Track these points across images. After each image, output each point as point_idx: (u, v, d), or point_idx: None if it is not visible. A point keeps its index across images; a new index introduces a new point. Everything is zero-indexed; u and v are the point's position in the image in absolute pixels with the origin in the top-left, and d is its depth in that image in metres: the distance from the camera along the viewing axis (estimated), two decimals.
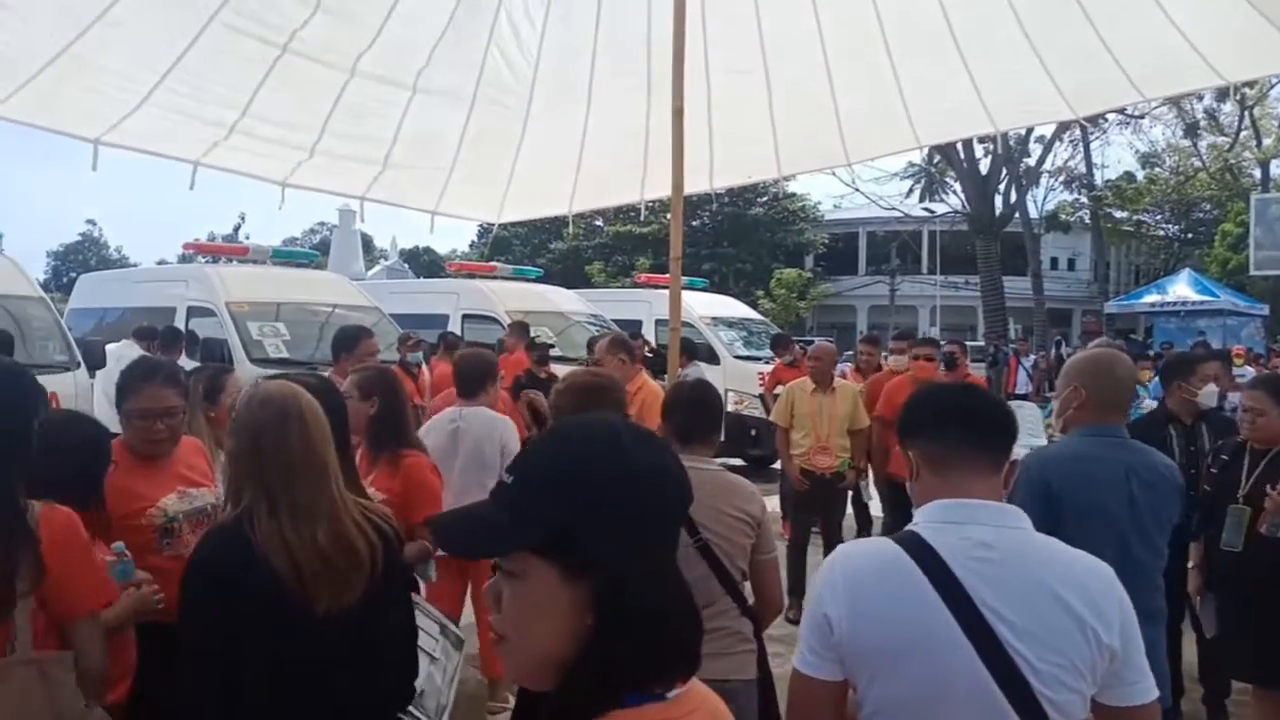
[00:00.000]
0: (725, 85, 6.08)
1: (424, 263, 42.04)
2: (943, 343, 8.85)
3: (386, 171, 6.29)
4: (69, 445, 2.65)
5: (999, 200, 31.38)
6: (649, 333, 12.30)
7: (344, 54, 5.41)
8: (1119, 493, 2.78)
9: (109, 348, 8.65)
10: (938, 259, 40.97)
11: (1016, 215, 32.36)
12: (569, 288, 15.56)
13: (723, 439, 3.44)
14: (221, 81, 5.28)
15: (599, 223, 37.83)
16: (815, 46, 5.79)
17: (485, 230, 33.95)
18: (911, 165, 41.99)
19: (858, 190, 33.25)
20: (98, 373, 8.17)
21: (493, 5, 5.66)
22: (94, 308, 12.02)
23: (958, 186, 33.75)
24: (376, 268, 26.10)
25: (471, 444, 4.57)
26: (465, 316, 12.26)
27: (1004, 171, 31.11)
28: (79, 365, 7.83)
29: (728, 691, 2.82)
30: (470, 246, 43.57)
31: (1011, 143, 29.90)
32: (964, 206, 31.97)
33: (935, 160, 36.74)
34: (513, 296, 12.63)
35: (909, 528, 1.79)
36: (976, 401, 1.93)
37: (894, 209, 36.15)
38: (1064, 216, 37.15)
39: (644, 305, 13.83)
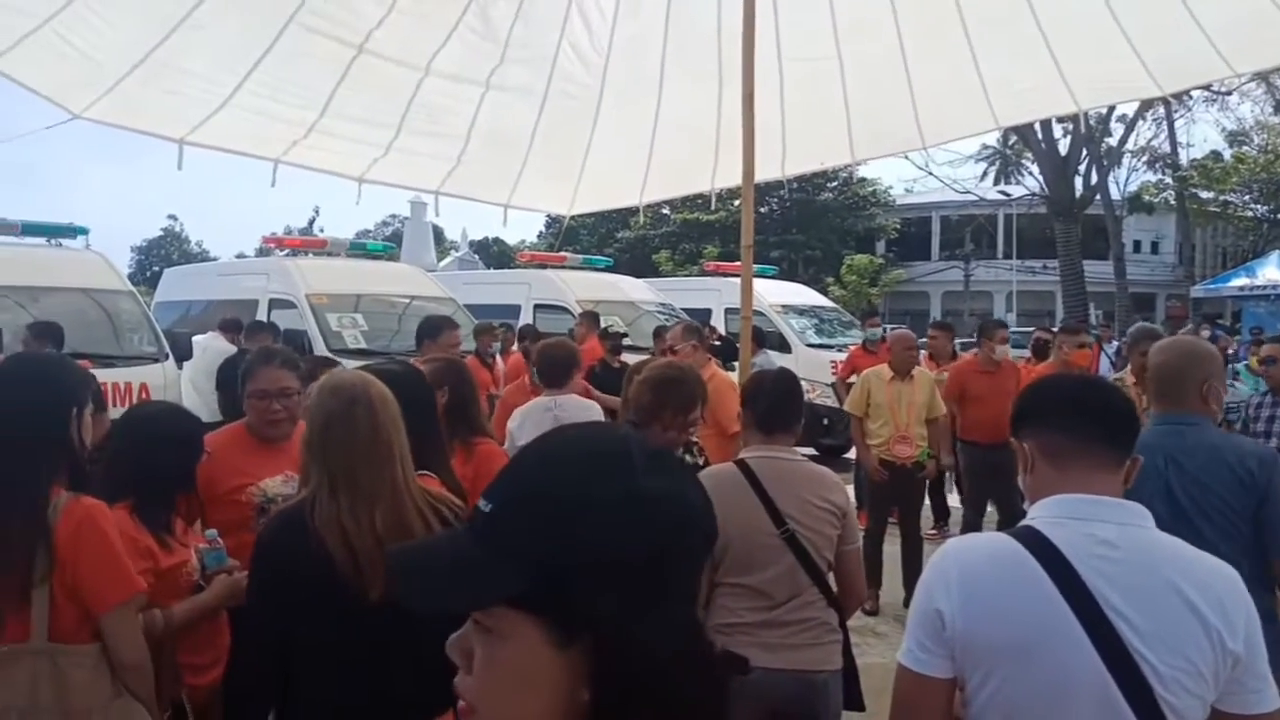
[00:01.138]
0: (797, 70, 6.02)
1: (493, 253, 42.50)
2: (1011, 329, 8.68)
3: (460, 166, 6.37)
4: (159, 437, 2.74)
5: (1079, 182, 30.54)
6: (718, 321, 12.28)
7: (419, 53, 5.49)
8: (1154, 483, 2.65)
9: (195, 339, 8.92)
10: (1014, 243, 40.07)
11: (1097, 197, 31.45)
12: (636, 276, 15.60)
13: None
14: (300, 82, 5.40)
15: (666, 211, 37.77)
16: (890, 26, 5.70)
17: (553, 220, 34.17)
18: (986, 147, 41.05)
19: (931, 174, 32.62)
20: (185, 364, 8.42)
21: (563, 3, 5.69)
22: (178, 300, 12.41)
23: (1035, 168, 32.91)
24: (447, 259, 26.46)
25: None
26: (537, 306, 12.38)
27: (1084, 152, 30.25)
28: (167, 357, 8.09)
29: (817, 683, 2.85)
30: (538, 236, 43.89)
31: (1092, 122, 29.04)
32: (1042, 189, 31.18)
33: (1011, 142, 35.85)
34: (583, 286, 12.70)
35: (1026, 522, 1.73)
36: (1102, 393, 1.86)
37: (968, 192, 35.39)
38: (1147, 197, 35.99)
39: (713, 294, 13.81)
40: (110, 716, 2.30)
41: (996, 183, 40.82)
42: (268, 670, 2.24)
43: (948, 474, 6.98)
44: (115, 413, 3.16)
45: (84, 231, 9.11)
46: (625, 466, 0.87)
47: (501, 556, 0.84)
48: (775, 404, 3.09)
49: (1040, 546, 1.65)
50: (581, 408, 4.67)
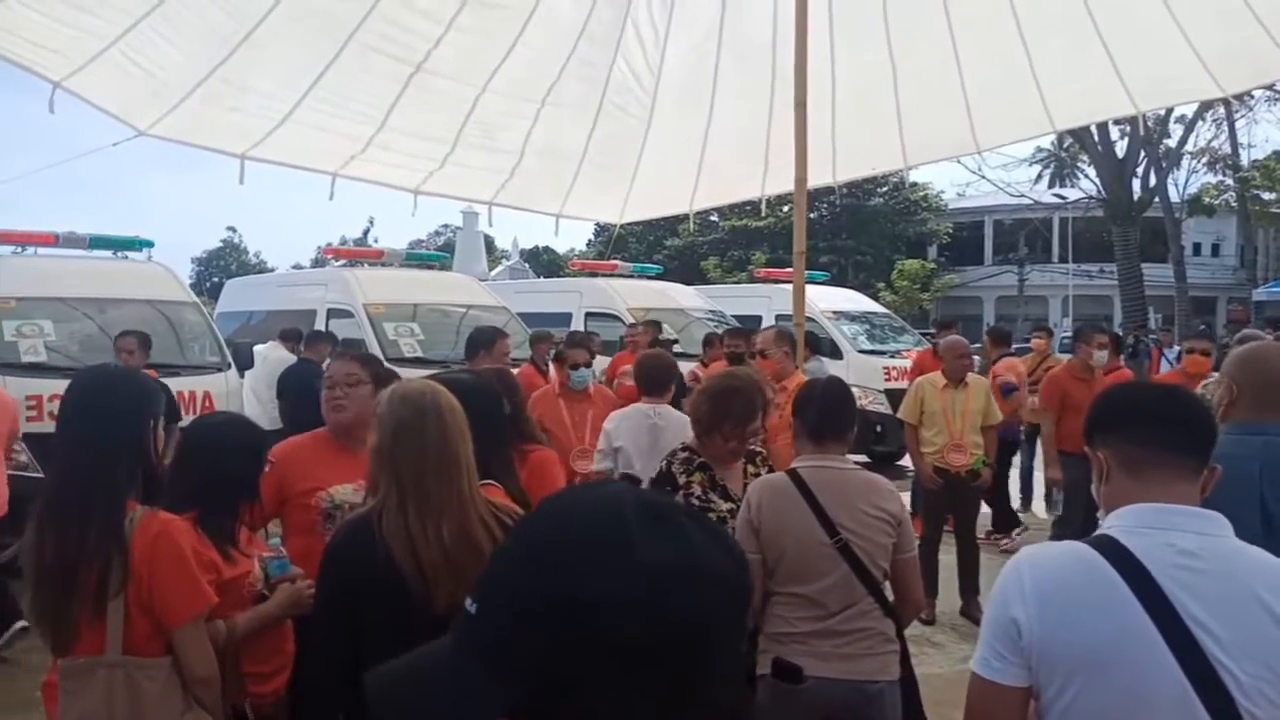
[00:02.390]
0: (849, 77, 6.03)
1: (544, 262, 42.75)
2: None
3: (514, 178, 6.47)
4: (224, 449, 2.73)
5: (1137, 184, 29.94)
6: (768, 327, 12.23)
7: (477, 71, 5.60)
8: (1246, 493, 2.56)
9: (256, 349, 9.11)
10: (1069, 247, 39.39)
11: (1156, 199, 30.81)
12: (685, 284, 15.61)
13: None
14: (358, 98, 5.53)
15: (714, 218, 37.74)
16: (943, 31, 5.69)
17: (602, 229, 34.31)
18: (1041, 150, 40.55)
19: (983, 178, 32.28)
20: (246, 373, 8.61)
21: (619, 20, 5.76)
22: (239, 311, 12.69)
23: (1091, 171, 32.34)
24: (499, 268, 26.69)
25: (672, 440, 4.58)
26: (588, 314, 12.44)
27: (1143, 154, 29.65)
28: (230, 366, 8.25)
29: (871, 693, 2.85)
30: (587, 245, 44.08)
31: (1150, 123, 28.46)
32: (1099, 191, 30.62)
33: (1067, 144, 35.31)
34: (634, 294, 12.74)
35: (1102, 532, 1.71)
36: (1181, 402, 1.82)
37: (1023, 196, 34.88)
38: (1208, 199, 35.15)
39: (763, 300, 13.76)
40: None
41: (1051, 186, 40.20)
42: (335, 679, 2.25)
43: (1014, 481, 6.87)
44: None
45: (149, 244, 9.32)
46: (620, 543, 0.76)
47: (492, 668, 0.75)
48: (826, 413, 3.08)
49: (1119, 556, 1.63)
50: (682, 421, 4.55)
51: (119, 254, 9.24)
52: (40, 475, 6.89)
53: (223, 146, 5.56)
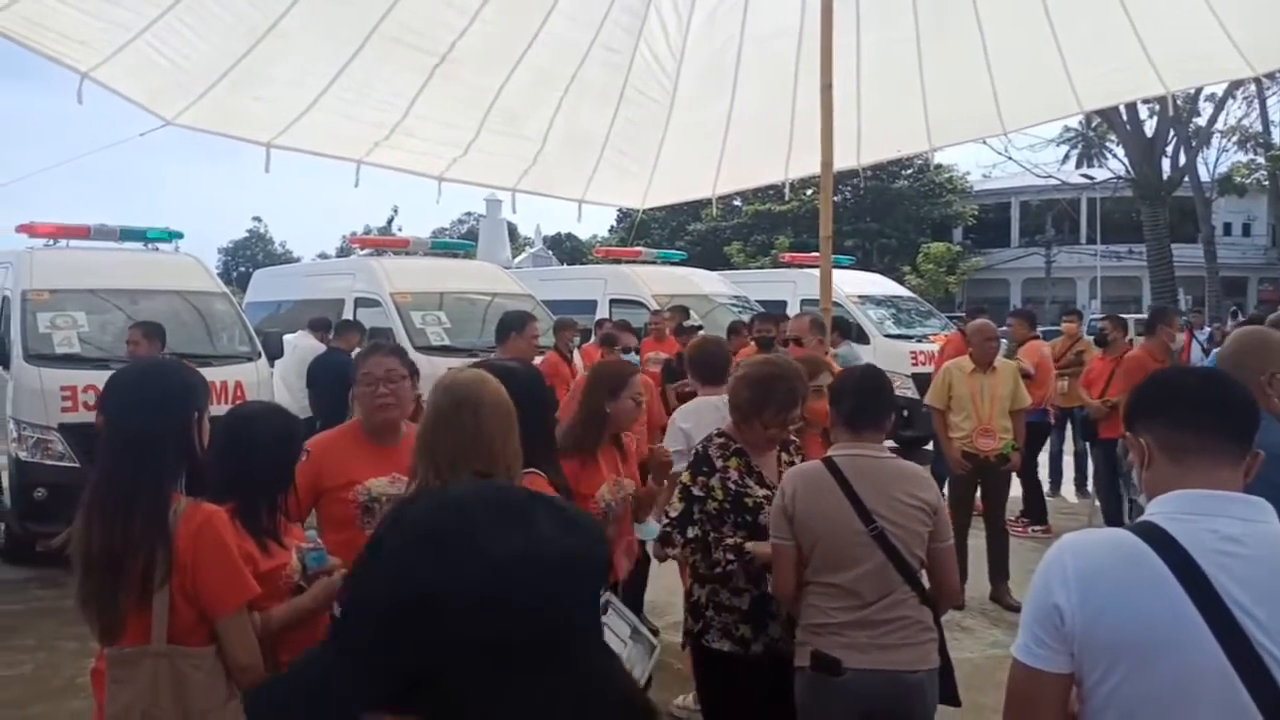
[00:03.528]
0: (874, 59, 6.00)
1: (566, 248, 42.76)
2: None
3: (537, 164, 6.49)
4: (258, 439, 2.73)
5: (1166, 163, 29.54)
6: (794, 313, 12.20)
7: (501, 60, 5.61)
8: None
9: (286, 338, 9.19)
10: (1098, 228, 38.97)
11: (1186, 179, 30.39)
12: (708, 269, 15.57)
13: None
14: (383, 87, 5.56)
15: (737, 202, 37.59)
16: (969, 11, 5.64)
17: (624, 214, 34.29)
18: (1068, 130, 39.92)
19: (1010, 159, 31.90)
20: (276, 362, 8.69)
21: (643, 6, 5.75)
22: (268, 300, 12.79)
23: (1120, 150, 31.93)
24: (522, 255, 26.69)
25: None
26: (613, 301, 12.44)
27: (1172, 133, 29.24)
28: (260, 355, 8.33)
29: (911, 683, 2.86)
30: (610, 231, 44.04)
31: (1180, 102, 28.02)
32: (1127, 171, 30.24)
33: (1095, 124, 34.83)
34: (658, 280, 12.72)
35: (1145, 518, 1.70)
36: (1224, 387, 1.80)
37: (1050, 176, 34.49)
38: (1238, 179, 34.62)
39: (788, 285, 13.70)
40: (226, 717, 2.35)
41: (1079, 166, 39.72)
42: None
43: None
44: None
45: (179, 236, 9.41)
46: (464, 538, 0.79)
47: (355, 668, 0.78)
48: (862, 401, 3.06)
49: (1162, 542, 1.62)
50: None
51: (149, 245, 9.35)
52: (76, 465, 7.01)
53: (248, 135, 5.60)
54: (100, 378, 6.81)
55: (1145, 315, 8.97)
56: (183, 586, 2.31)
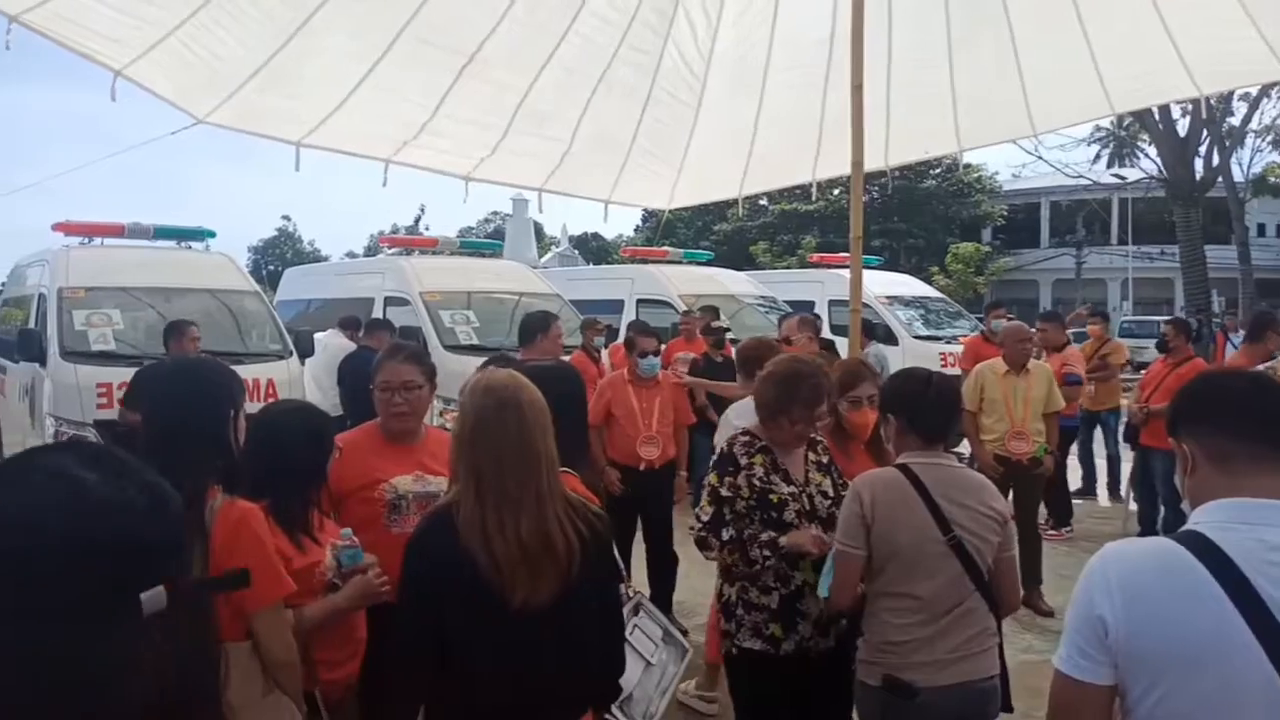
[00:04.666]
0: (905, 60, 5.95)
1: (592, 248, 42.82)
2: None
3: (564, 164, 6.49)
4: (290, 437, 2.78)
5: (1199, 163, 29.16)
6: (822, 314, 12.17)
7: (529, 60, 5.62)
8: None
9: (316, 336, 9.27)
10: (1129, 228, 38.55)
11: (1219, 179, 29.99)
12: (734, 269, 15.56)
13: None
14: (412, 87, 5.57)
15: (764, 202, 37.47)
16: (999, 13, 5.59)
17: (650, 214, 34.27)
18: (1100, 129, 39.46)
19: (1040, 158, 31.58)
20: (307, 360, 8.76)
21: (670, 9, 5.74)
22: (298, 299, 12.92)
23: (1152, 150, 31.56)
24: (548, 254, 26.76)
25: None
26: (639, 301, 12.46)
27: (1205, 132, 28.87)
28: (291, 353, 8.41)
29: (987, 690, 2.87)
30: (635, 230, 44.10)
31: (1213, 102, 27.66)
32: (1160, 171, 29.88)
33: (1126, 123, 34.44)
34: (685, 280, 12.73)
35: (1189, 527, 1.67)
36: (1271, 392, 1.76)
37: (1081, 176, 34.13)
38: (1273, 179, 34.13)
39: (817, 285, 13.69)
40: (263, 712, 2.38)
41: (1110, 166, 39.25)
42: (418, 666, 2.29)
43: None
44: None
45: (212, 234, 9.54)
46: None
47: None
48: (943, 413, 3.04)
49: (1208, 552, 1.59)
50: None
51: (182, 244, 9.46)
52: None
53: (278, 134, 5.62)
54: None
55: (1172, 319, 8.85)
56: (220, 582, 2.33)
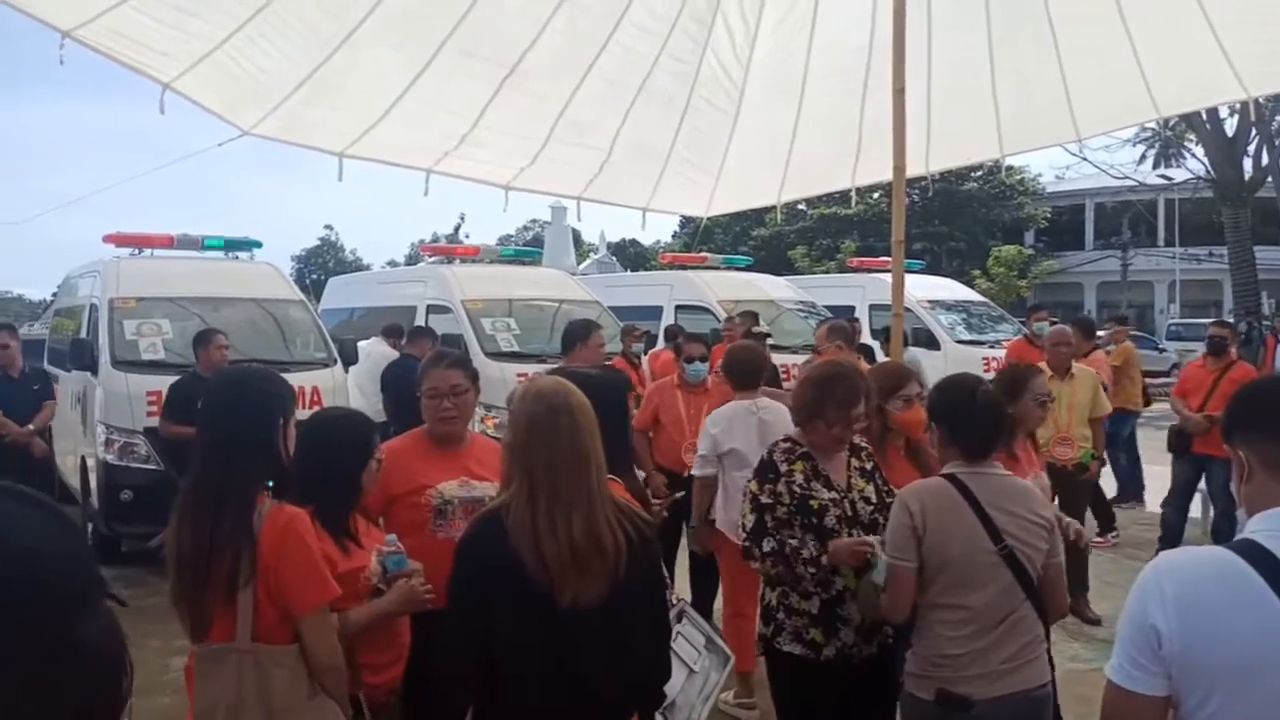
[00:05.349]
0: (946, 65, 5.92)
1: (630, 255, 42.84)
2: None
3: (603, 173, 6.53)
4: (332, 444, 2.82)
5: (1248, 163, 28.57)
6: (863, 319, 12.11)
7: (570, 71, 5.66)
8: None
9: (360, 344, 9.39)
10: (1176, 230, 37.87)
11: (1269, 179, 29.38)
12: (772, 273, 15.51)
13: None
14: (453, 98, 5.64)
15: (802, 206, 37.23)
16: (1041, 17, 5.54)
17: (688, 220, 34.25)
18: (1145, 130, 38.78)
19: (1085, 159, 31.09)
20: (351, 368, 8.87)
21: (710, 14, 5.76)
22: (341, 308, 13.08)
23: (1199, 150, 30.98)
24: (587, 261, 26.84)
25: (779, 432, 4.53)
26: (679, 307, 12.46)
27: (1253, 132, 28.30)
28: (335, 361, 8.52)
29: (1041, 697, 2.86)
30: (673, 236, 44.01)
31: (1261, 101, 27.11)
32: (1207, 172, 29.33)
33: (1173, 123, 33.86)
34: (724, 286, 12.71)
35: (1245, 535, 1.65)
36: None
37: (1126, 177, 33.56)
38: None
39: (857, 290, 13.60)
40: (308, 714, 2.42)
41: (1156, 166, 38.59)
42: (468, 667, 2.33)
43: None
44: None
45: (257, 244, 9.69)
46: None
47: None
48: (993, 426, 3.02)
49: (1263, 560, 1.56)
50: (782, 408, 4.47)
51: (229, 254, 9.61)
52: (161, 468, 7.25)
53: (322, 145, 5.71)
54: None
55: (1219, 321, 8.68)
56: (266, 586, 2.38)
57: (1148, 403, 9.96)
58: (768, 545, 3.22)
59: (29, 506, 0.92)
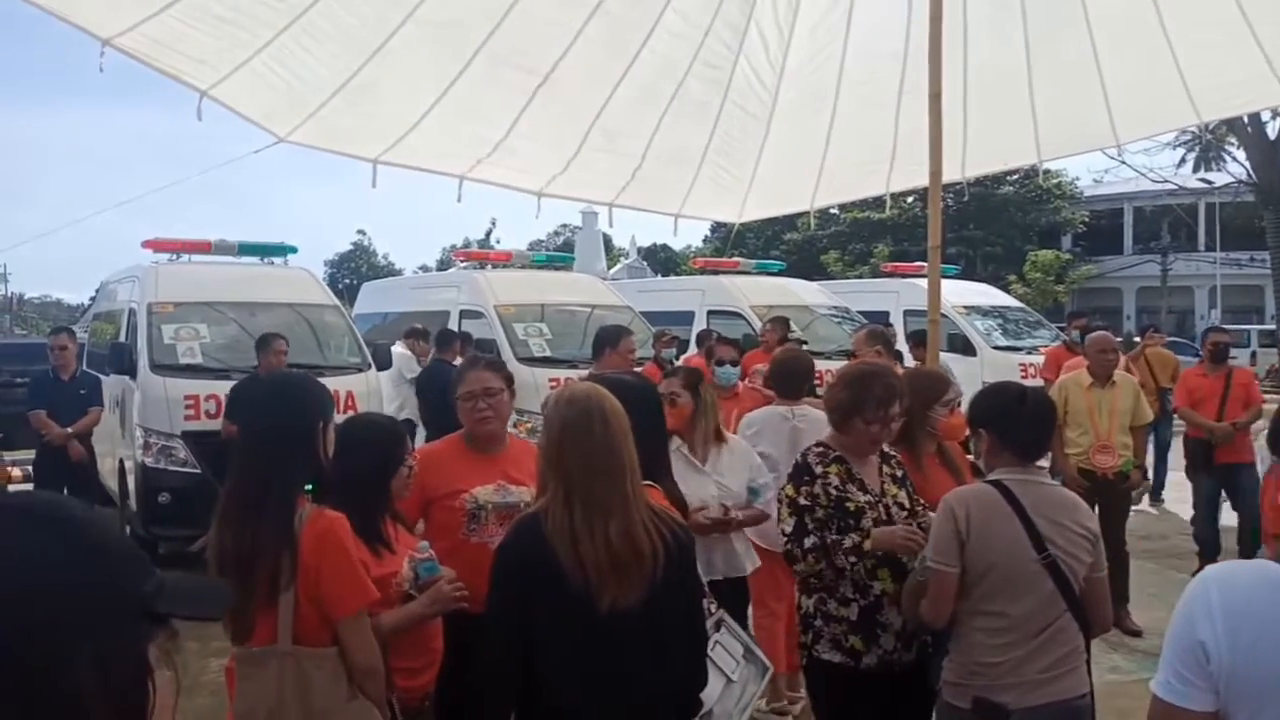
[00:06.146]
0: (982, 70, 5.86)
1: (661, 259, 42.86)
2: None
3: (635, 180, 6.52)
4: (363, 448, 2.83)
5: None
6: (898, 324, 12.02)
7: (603, 79, 5.66)
8: None
9: (394, 349, 9.47)
10: (1217, 234, 37.30)
11: None
12: (804, 278, 15.46)
13: None
14: (487, 105, 5.66)
15: (834, 210, 37.00)
16: (1080, 19, 5.47)
17: (719, 224, 34.20)
18: (1184, 132, 38.23)
19: (1124, 163, 30.61)
20: (383, 373, 8.94)
21: (742, 23, 5.74)
22: (375, 312, 13.19)
23: (1240, 153, 30.45)
24: (617, 266, 26.92)
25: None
26: (710, 312, 12.45)
27: None
28: (369, 366, 8.59)
29: (1081, 708, 2.82)
30: (704, 241, 43.95)
31: None
32: (1248, 175, 28.84)
33: (1213, 127, 33.33)
34: (757, 291, 12.68)
35: None
36: None
37: (1165, 181, 33.06)
38: None
39: (891, 295, 13.52)
40: (347, 717, 2.44)
41: (1196, 170, 38.05)
42: (509, 670, 2.35)
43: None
44: None
45: (293, 250, 9.79)
46: None
47: None
48: (1040, 429, 3.00)
49: None
50: (820, 418, 4.34)
51: (265, 260, 9.72)
52: (198, 471, 7.34)
53: (357, 151, 5.74)
54: (221, 387, 7.20)
55: (1269, 326, 8.52)
56: (307, 589, 2.40)
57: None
58: (808, 542, 3.20)
59: (34, 529, 0.90)
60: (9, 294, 59.63)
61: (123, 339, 8.57)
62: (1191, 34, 5.25)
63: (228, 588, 1.28)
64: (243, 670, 2.45)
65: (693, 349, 10.16)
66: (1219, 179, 33.20)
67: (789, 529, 3.27)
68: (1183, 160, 39.92)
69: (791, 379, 4.81)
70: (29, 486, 7.52)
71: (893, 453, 3.51)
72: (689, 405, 4.15)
